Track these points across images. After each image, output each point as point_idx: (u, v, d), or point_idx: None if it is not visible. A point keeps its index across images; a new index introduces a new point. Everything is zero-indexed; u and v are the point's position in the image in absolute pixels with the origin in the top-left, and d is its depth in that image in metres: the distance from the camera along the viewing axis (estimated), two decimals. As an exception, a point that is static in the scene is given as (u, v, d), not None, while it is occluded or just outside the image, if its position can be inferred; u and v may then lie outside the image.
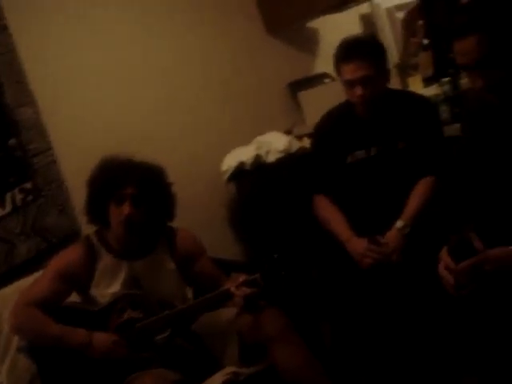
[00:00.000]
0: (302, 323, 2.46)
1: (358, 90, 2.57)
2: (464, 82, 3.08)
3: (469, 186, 1.96)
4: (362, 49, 2.59)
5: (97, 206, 2.41)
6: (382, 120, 2.67)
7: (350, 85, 2.60)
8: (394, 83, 3.16)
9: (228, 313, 2.42)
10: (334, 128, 2.79)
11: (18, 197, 2.84)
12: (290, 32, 4.09)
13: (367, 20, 4.67)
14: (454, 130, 2.83)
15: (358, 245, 2.56)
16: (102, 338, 2.25)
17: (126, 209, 2.32)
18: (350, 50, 2.59)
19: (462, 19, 1.74)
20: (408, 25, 4.14)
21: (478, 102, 1.95)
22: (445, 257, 1.75)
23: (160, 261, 2.49)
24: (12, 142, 2.86)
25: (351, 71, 2.56)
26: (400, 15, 4.66)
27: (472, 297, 1.73)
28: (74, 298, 2.43)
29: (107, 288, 2.39)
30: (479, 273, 1.66)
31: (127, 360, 2.26)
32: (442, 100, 3.10)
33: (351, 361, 2.69)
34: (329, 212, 2.73)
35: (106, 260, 2.42)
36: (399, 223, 2.54)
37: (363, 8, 4.61)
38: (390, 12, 4.67)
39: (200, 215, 3.13)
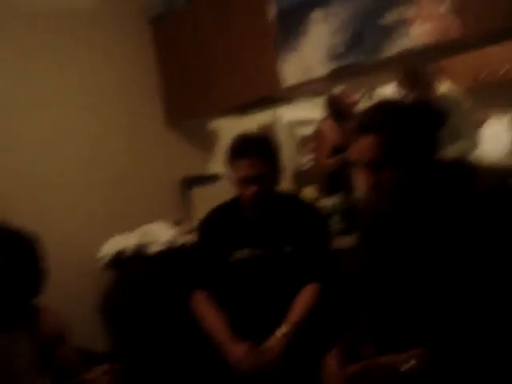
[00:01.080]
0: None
1: (251, 188, 2.49)
2: (357, 195, 3.12)
3: (364, 293, 1.87)
4: (256, 146, 2.53)
5: None
6: (270, 221, 2.59)
7: (242, 182, 2.51)
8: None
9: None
10: (219, 224, 2.68)
11: None
12: (189, 128, 4.09)
13: (266, 130, 4.70)
14: (345, 241, 2.85)
15: (236, 349, 2.38)
16: None
17: None
18: (244, 147, 2.52)
19: (363, 120, 1.74)
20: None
21: (371, 210, 1.94)
22: (331, 361, 1.66)
23: (17, 342, 2.16)
24: None
25: (245, 168, 2.48)
26: (301, 131, 4.76)
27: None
28: None
29: None
30: (367, 379, 1.57)
31: None
32: (334, 211, 3.09)
33: None
34: (207, 309, 2.56)
35: None
36: (283, 329, 2.40)
37: (264, 117, 4.66)
38: (290, 126, 4.75)
39: (70, 301, 2.85)
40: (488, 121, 4.36)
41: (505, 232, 1.60)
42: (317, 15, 3.22)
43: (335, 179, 3.55)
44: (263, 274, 2.56)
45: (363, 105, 4.84)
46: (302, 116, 4.87)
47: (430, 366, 1.55)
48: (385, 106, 1.76)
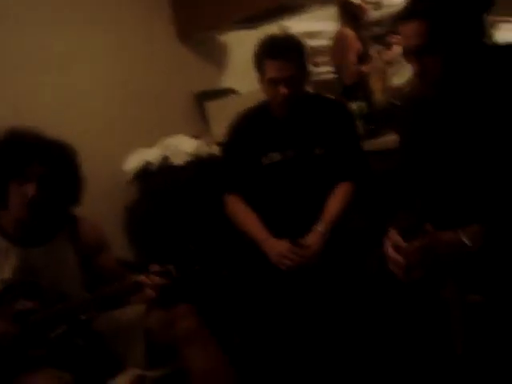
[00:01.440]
0: (214, 323, 2.24)
1: (282, 89, 2.47)
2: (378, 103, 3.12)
3: (413, 178, 1.89)
4: (289, 48, 2.51)
5: None
6: (300, 123, 2.60)
7: (273, 83, 2.49)
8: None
9: (135, 310, 2.17)
10: (249, 127, 2.68)
11: None
12: (201, 42, 4.02)
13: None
14: (367, 145, 2.86)
15: (277, 246, 2.44)
16: None
17: (31, 190, 2.02)
18: (277, 48, 2.50)
19: (407, 6, 1.72)
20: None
21: (413, 98, 1.94)
22: (394, 236, 1.66)
23: (60, 250, 2.19)
24: None
25: (277, 69, 2.46)
26: (309, 42, 4.68)
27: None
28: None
29: None
30: (430, 255, 1.59)
31: (16, 358, 1.95)
32: (358, 116, 3.08)
33: (260, 363, 2.54)
34: (243, 212, 2.61)
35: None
36: (320, 226, 2.45)
37: (273, 30, 4.58)
38: (299, 37, 4.66)
39: (99, 213, 2.86)
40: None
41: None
42: None
43: (354, 87, 3.52)
44: (295, 176, 2.58)
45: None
46: (310, 27, 4.79)
47: (486, 242, 1.59)
48: None
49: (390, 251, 1.65)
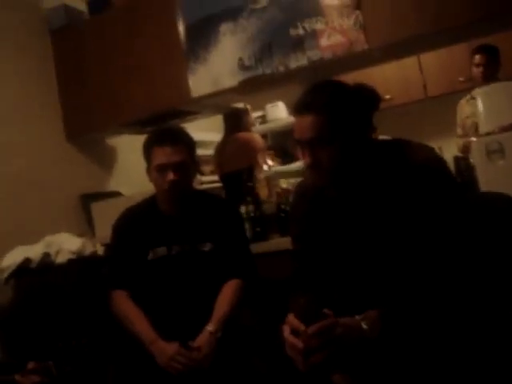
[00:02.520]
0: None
1: (170, 175, 2.45)
2: (266, 207, 3.18)
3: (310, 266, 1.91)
4: (177, 135, 2.54)
5: None
6: (187, 218, 2.58)
7: (161, 170, 2.48)
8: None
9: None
10: (134, 222, 2.63)
11: None
12: (89, 144, 4.00)
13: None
14: (254, 247, 2.89)
15: (165, 348, 2.33)
16: None
17: None
18: (165, 135, 2.52)
19: (302, 99, 1.79)
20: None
21: (307, 191, 1.96)
22: (293, 320, 1.63)
23: None
24: None
25: (166, 155, 2.45)
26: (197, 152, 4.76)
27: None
28: None
29: None
30: (330, 338, 1.57)
31: None
32: (244, 219, 3.11)
33: None
34: (129, 310, 2.49)
35: None
36: (210, 326, 2.38)
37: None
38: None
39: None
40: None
41: (439, 199, 1.69)
42: (226, 28, 3.29)
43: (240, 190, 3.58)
44: (181, 273, 2.52)
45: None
46: (198, 137, 4.88)
47: (384, 327, 1.60)
48: (323, 86, 1.81)
49: (288, 335, 1.62)
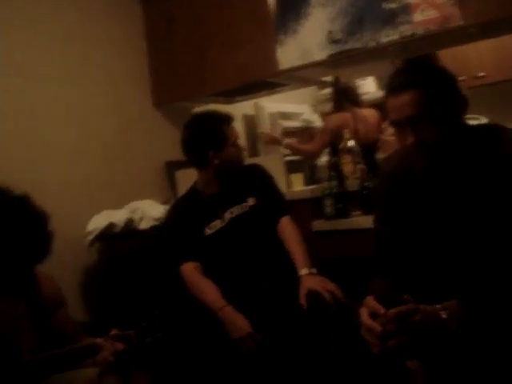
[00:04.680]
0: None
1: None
2: (349, 183, 3.13)
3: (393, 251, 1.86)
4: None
5: None
6: (226, 187, 2.71)
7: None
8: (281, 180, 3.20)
9: (87, 373, 2.03)
10: (184, 209, 2.78)
11: None
12: (176, 112, 4.02)
13: (250, 121, 4.70)
14: (334, 224, 3.04)
15: (236, 318, 2.40)
16: None
17: None
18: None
19: (398, 77, 1.73)
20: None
21: (402, 166, 1.89)
22: (372, 302, 1.61)
23: (12, 305, 2.07)
24: None
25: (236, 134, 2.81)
26: (283, 123, 4.77)
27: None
28: None
29: None
30: (408, 324, 1.53)
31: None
32: (326, 195, 3.09)
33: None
34: (200, 280, 2.58)
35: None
36: (304, 271, 2.48)
37: (248, 108, 4.65)
38: (273, 117, 4.74)
39: (57, 272, 2.74)
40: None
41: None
42: (316, 0, 3.23)
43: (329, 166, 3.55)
44: (240, 235, 2.64)
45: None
46: (285, 108, 4.88)
47: (465, 319, 1.55)
48: (419, 63, 1.76)
49: (366, 318, 1.60)
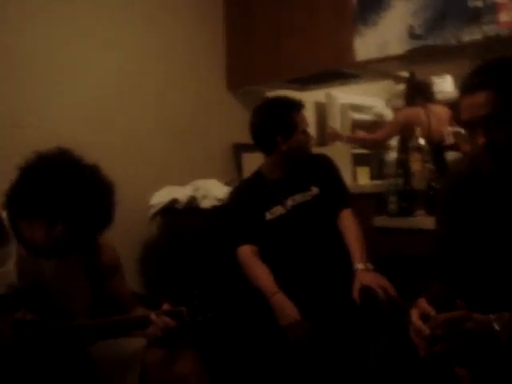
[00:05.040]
0: (215, 372, 2.14)
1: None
2: (416, 182, 3.07)
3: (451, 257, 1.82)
4: None
5: (22, 207, 1.97)
6: (291, 174, 2.72)
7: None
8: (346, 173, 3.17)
9: (135, 343, 2.08)
10: (247, 191, 2.79)
11: None
12: (248, 96, 4.03)
13: (321, 109, 4.67)
14: (397, 222, 3.00)
15: (288, 306, 2.41)
16: None
17: (58, 233, 1.91)
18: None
19: (474, 77, 1.68)
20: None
21: (470, 168, 1.84)
22: (423, 304, 1.58)
23: (72, 269, 2.12)
24: None
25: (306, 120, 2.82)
26: (354, 115, 4.72)
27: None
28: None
29: (3, 278, 1.99)
30: (458, 330, 1.50)
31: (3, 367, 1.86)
32: (391, 192, 3.04)
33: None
34: (255, 263, 2.60)
35: (12, 247, 2.03)
36: (360, 265, 2.47)
37: (320, 97, 4.62)
38: (344, 108, 4.70)
39: (117, 242, 2.81)
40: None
41: None
42: (401, -8, 3.17)
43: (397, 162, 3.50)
44: (300, 223, 2.64)
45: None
46: (357, 100, 4.82)
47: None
48: (497, 63, 1.69)
49: (416, 319, 1.57)
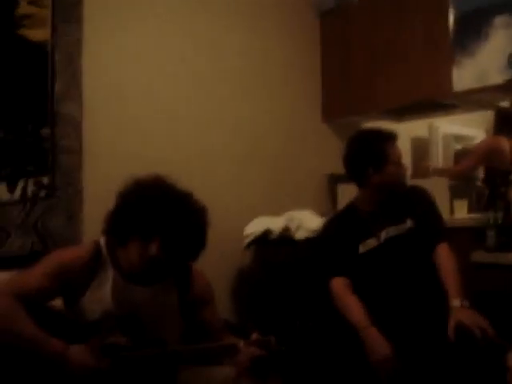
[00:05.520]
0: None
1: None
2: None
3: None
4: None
5: (120, 227, 2.10)
6: (385, 206, 2.65)
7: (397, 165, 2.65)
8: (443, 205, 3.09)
9: (224, 371, 2.09)
10: (341, 223, 2.73)
11: (31, 188, 2.64)
12: (343, 127, 4.03)
13: (418, 143, 4.60)
14: (495, 257, 2.92)
15: (379, 340, 2.34)
16: (80, 352, 1.92)
17: (154, 249, 2.00)
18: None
19: None
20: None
21: None
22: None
23: (166, 295, 2.18)
24: (45, 131, 2.69)
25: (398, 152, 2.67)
26: (455, 145, 4.62)
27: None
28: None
29: (99, 303, 2.08)
30: None
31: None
32: (490, 226, 2.95)
33: None
34: (347, 296, 2.53)
35: (108, 274, 2.12)
36: (456, 302, 2.35)
37: (418, 129, 4.55)
38: (446, 138, 4.60)
39: (211, 271, 2.87)
40: None
41: None
42: (500, 21, 3.10)
43: (492, 195, 3.40)
44: (394, 257, 2.56)
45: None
46: (459, 131, 4.72)
47: None
48: None
49: None
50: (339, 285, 2.57)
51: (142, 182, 2.09)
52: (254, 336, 2.02)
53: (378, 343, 2.33)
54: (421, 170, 4.23)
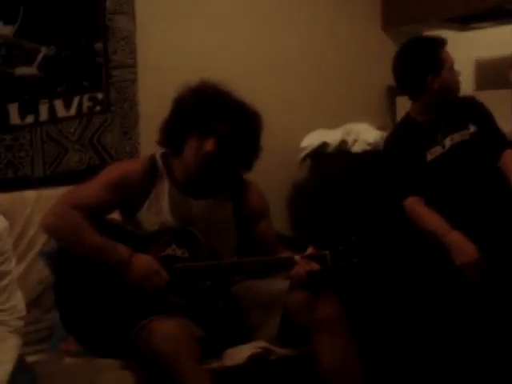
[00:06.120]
0: (356, 315, 2.15)
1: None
2: None
3: None
4: None
5: (176, 129, 2.12)
6: (447, 115, 2.63)
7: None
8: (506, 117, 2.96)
9: (279, 284, 2.13)
10: (406, 135, 2.69)
11: (86, 104, 2.66)
12: (404, 36, 3.83)
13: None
14: None
15: (466, 245, 2.34)
16: (145, 260, 1.99)
17: (210, 146, 2.03)
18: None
19: None
20: None
21: None
22: None
23: (221, 208, 2.20)
24: (97, 46, 2.67)
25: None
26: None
27: None
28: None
29: (157, 216, 2.12)
30: None
31: (153, 298, 1.99)
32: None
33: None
34: (423, 210, 2.52)
35: (165, 186, 2.14)
36: None
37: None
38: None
39: (267, 184, 2.85)
40: None
41: None
42: None
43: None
44: (460, 162, 2.56)
45: None
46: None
47: None
48: None
49: None
50: (413, 203, 2.55)
51: (196, 84, 2.12)
52: (310, 250, 2.03)
53: (464, 246, 2.34)
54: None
